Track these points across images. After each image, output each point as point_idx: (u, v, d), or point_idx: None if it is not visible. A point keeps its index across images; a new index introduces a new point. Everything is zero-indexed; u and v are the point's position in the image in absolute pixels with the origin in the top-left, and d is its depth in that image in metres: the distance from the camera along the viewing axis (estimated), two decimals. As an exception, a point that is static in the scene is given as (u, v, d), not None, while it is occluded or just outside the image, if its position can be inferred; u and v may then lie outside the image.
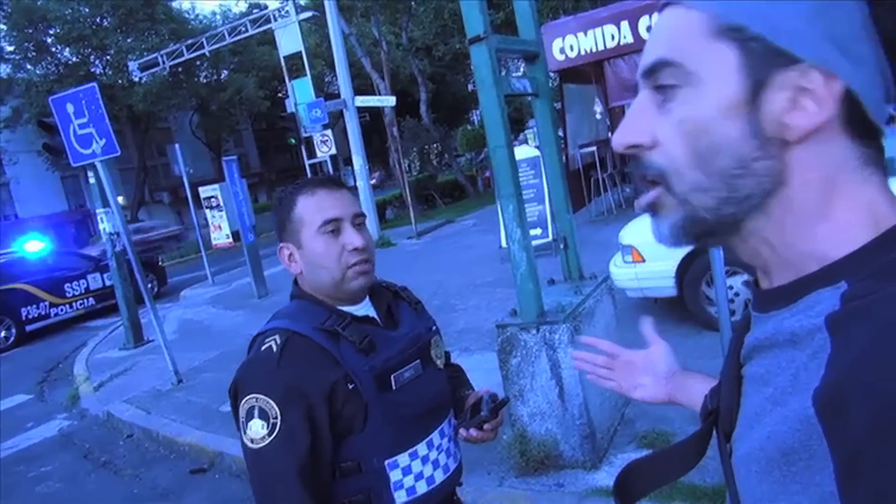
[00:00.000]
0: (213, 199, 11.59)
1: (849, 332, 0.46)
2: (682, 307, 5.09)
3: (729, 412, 0.62)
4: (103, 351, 9.09)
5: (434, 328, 1.50)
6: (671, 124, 0.55)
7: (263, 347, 1.27)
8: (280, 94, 31.66)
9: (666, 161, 0.56)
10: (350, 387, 1.25)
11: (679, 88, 0.54)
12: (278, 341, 1.26)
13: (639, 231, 5.34)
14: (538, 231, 8.79)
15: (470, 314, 6.91)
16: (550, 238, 8.50)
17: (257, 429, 1.21)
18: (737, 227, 0.56)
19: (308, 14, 16.21)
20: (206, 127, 34.60)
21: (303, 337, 1.27)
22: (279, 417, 1.21)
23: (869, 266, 0.49)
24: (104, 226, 7.77)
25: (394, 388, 1.31)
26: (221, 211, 11.55)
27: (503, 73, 3.15)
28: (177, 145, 12.24)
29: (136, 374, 7.44)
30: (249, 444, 1.23)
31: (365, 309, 1.39)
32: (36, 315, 11.33)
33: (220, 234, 11.78)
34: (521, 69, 3.72)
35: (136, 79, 22.19)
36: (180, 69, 25.90)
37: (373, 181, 21.97)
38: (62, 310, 11.73)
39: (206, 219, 12.14)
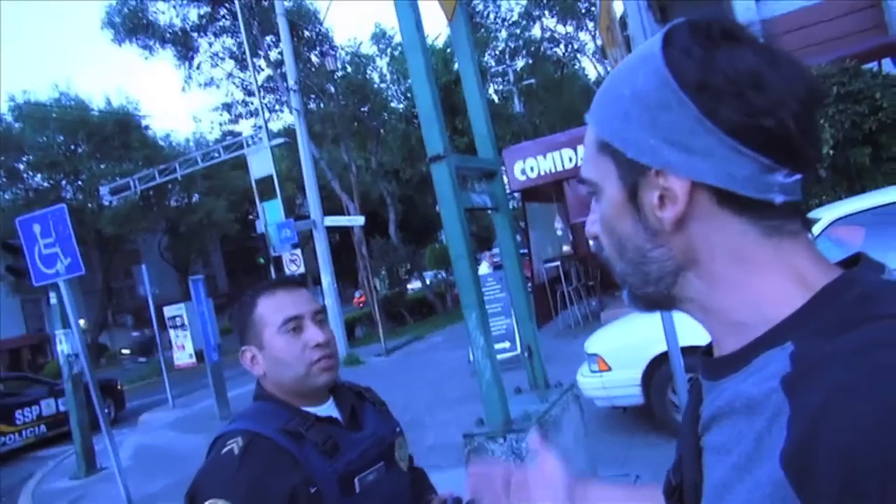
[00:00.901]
0: (177, 319, 11.44)
1: (804, 392, 0.47)
2: (650, 415, 5.09)
3: (693, 486, 0.62)
4: (52, 482, 8.55)
5: (398, 430, 1.49)
6: (598, 222, 0.66)
7: (224, 450, 1.24)
8: (250, 216, 32.14)
9: (605, 250, 0.66)
10: (312, 490, 1.23)
11: (595, 194, 0.65)
12: (240, 443, 1.24)
13: (604, 339, 5.43)
14: (506, 344, 8.83)
15: (439, 430, 6.77)
16: (518, 351, 8.52)
17: None
18: (671, 300, 0.62)
19: (280, 140, 16.87)
20: (175, 249, 34.64)
21: (265, 439, 1.25)
22: None
23: (811, 325, 0.52)
24: (62, 347, 7.58)
25: (357, 491, 1.28)
26: (186, 330, 11.38)
27: (463, 190, 3.33)
28: (143, 266, 12.23)
29: (86, 505, 6.99)
30: None
31: (328, 409, 1.38)
32: (-19, 445, 10.68)
33: (184, 354, 11.53)
34: (481, 187, 3.99)
35: (106, 203, 22.44)
36: (151, 192, 26.28)
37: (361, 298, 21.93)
38: (10, 438, 11.10)
39: (169, 341, 11.91)
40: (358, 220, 17.12)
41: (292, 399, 1.35)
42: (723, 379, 0.58)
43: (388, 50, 24.28)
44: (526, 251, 12.63)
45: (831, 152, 5.74)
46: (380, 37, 24.02)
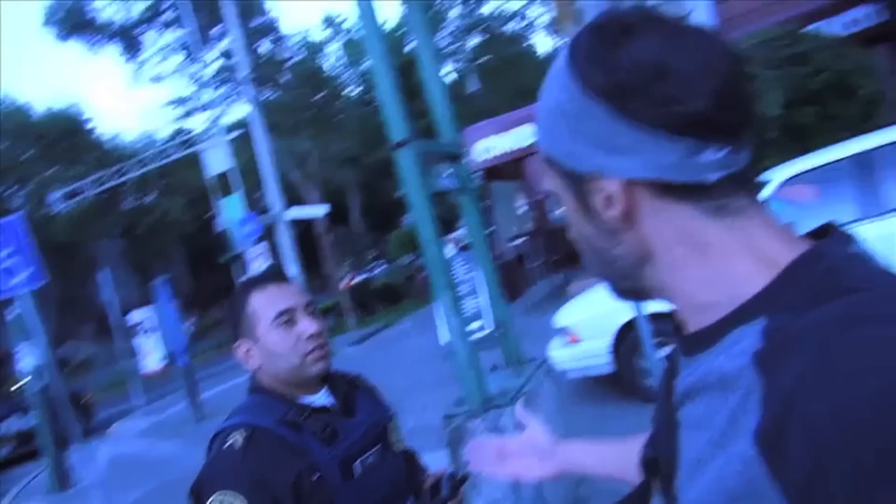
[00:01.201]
0: (144, 323, 11.23)
1: (776, 368, 0.48)
2: (621, 383, 5.21)
3: (668, 460, 0.62)
4: (24, 501, 8.37)
5: (390, 413, 1.53)
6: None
7: (226, 445, 1.27)
8: (209, 214, 31.62)
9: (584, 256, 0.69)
10: (314, 478, 1.27)
11: (558, 203, 0.68)
12: (242, 436, 1.27)
13: (573, 312, 5.53)
14: (478, 324, 8.90)
15: (417, 414, 6.81)
16: (490, 330, 8.61)
17: None
18: (646, 291, 0.64)
19: (236, 133, 16.58)
20: (134, 252, 33.83)
21: (265, 431, 1.28)
22: None
23: (781, 300, 0.52)
24: (27, 361, 7.38)
25: (357, 475, 1.33)
26: (152, 335, 11.19)
27: (429, 174, 3.34)
28: (105, 272, 11.96)
29: (63, 520, 6.88)
30: None
31: (323, 398, 1.41)
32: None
33: (152, 360, 11.34)
34: (446, 170, 3.99)
35: (58, 209, 21.79)
36: (105, 196, 25.61)
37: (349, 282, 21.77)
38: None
39: (132, 349, 11.70)
40: (321, 210, 17.00)
41: (287, 390, 1.38)
42: (697, 354, 0.58)
43: (339, 35, 23.96)
44: (492, 229, 12.71)
45: (780, 114, 5.91)
46: (330, 22, 23.67)
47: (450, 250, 9.40)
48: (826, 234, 0.59)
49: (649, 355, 3.34)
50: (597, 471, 1.03)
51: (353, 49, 24.02)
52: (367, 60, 22.29)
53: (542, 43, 31.29)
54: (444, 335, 9.76)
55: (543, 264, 12.49)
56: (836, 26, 8.51)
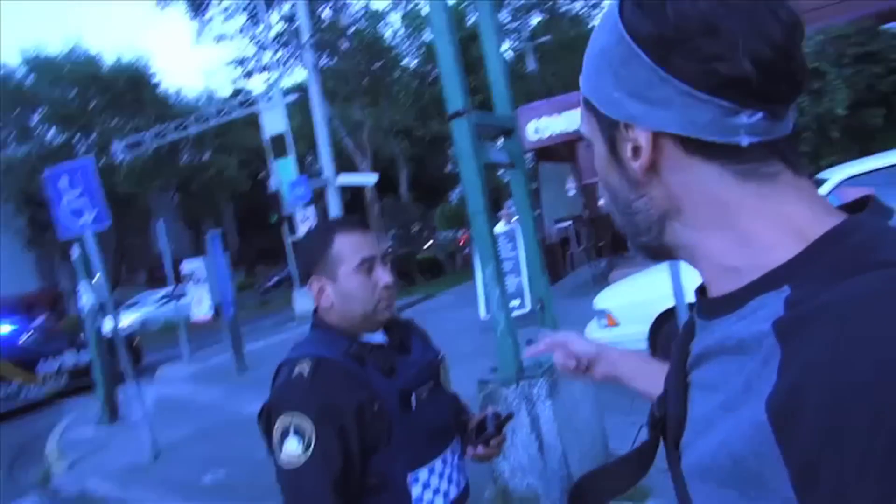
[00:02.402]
0: (194, 274, 11.67)
1: (796, 338, 0.47)
2: (657, 370, 5.24)
3: (676, 420, 0.63)
4: (76, 429, 8.88)
5: (441, 355, 1.63)
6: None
7: (294, 372, 1.36)
8: (261, 174, 32.23)
9: (607, 205, 0.70)
10: (376, 407, 1.35)
11: (591, 149, 0.68)
12: (309, 365, 1.36)
13: (613, 296, 5.57)
14: (517, 302, 8.96)
15: (454, 384, 6.99)
16: (528, 308, 8.67)
17: (293, 447, 1.29)
18: (667, 249, 0.64)
19: (293, 97, 16.85)
20: (187, 206, 34.86)
21: (331, 361, 1.37)
22: (314, 434, 1.29)
23: (809, 270, 0.51)
24: (86, 298, 7.79)
25: (414, 406, 1.42)
26: (203, 284, 11.61)
27: (482, 146, 3.42)
28: (160, 223, 12.42)
29: (111, 451, 7.28)
30: (285, 465, 1.30)
31: (380, 337, 1.51)
32: (5, 395, 11.05)
33: (201, 308, 11.79)
34: (499, 143, 4.04)
35: (119, 159, 22.58)
36: (165, 150, 26.39)
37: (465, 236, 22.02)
38: (33, 390, 11.47)
39: (180, 294, 12.15)
40: (371, 178, 17.21)
41: (350, 328, 1.47)
42: (716, 318, 0.58)
43: (402, 4, 23.93)
44: (538, 211, 12.71)
45: (845, 113, 5.75)
46: (391, -8, 23.66)
47: (501, 226, 9.46)
48: (864, 206, 0.58)
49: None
50: (640, 387, 1.05)
51: (413, 21, 23.98)
52: (426, 32, 22.31)
53: (605, 25, 30.49)
54: (483, 309, 9.88)
55: (587, 249, 12.45)
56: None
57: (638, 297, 5.29)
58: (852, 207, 0.59)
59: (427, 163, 29.48)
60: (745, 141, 0.55)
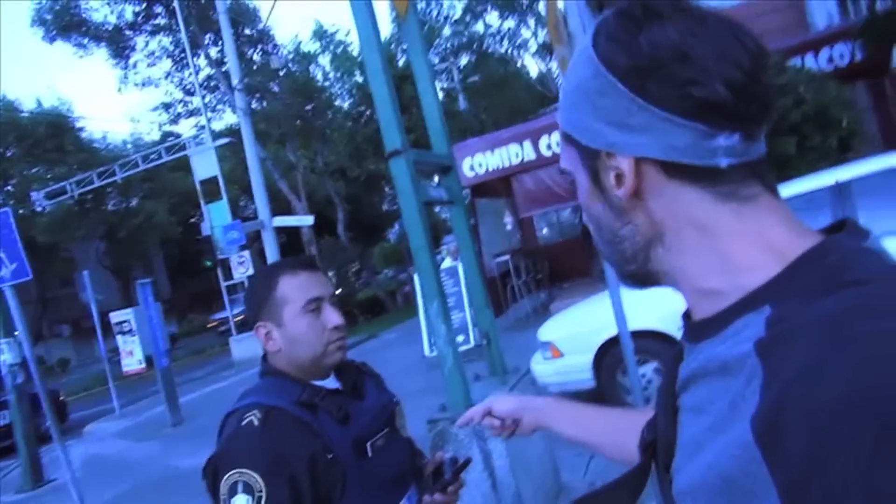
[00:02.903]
0: (125, 324, 11.16)
1: (776, 357, 0.48)
2: (601, 398, 5.30)
3: (667, 443, 0.63)
4: (-4, 497, 8.25)
5: (396, 399, 1.58)
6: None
7: (243, 422, 1.29)
8: (193, 219, 31.40)
9: (592, 234, 0.71)
10: (329, 457, 1.30)
11: (573, 183, 0.69)
12: (258, 415, 1.29)
13: (556, 327, 5.63)
14: (461, 337, 8.97)
15: (398, 424, 6.88)
16: (473, 344, 8.68)
17: None
18: (653, 276, 0.65)
19: (225, 140, 16.60)
20: (114, 255, 33.52)
21: (281, 410, 1.31)
22: (264, 491, 1.21)
23: (788, 290, 0.52)
24: (5, 356, 7.33)
25: (369, 455, 1.36)
26: (134, 336, 11.12)
27: (420, 184, 3.43)
28: (85, 273, 11.86)
29: (36, 518, 6.79)
30: None
31: (332, 383, 1.46)
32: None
33: (132, 360, 11.26)
34: (437, 180, 4.09)
35: (40, 209, 21.57)
36: (89, 197, 25.39)
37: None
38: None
39: (114, 347, 11.60)
40: (307, 220, 17.01)
41: (301, 374, 1.41)
42: (701, 342, 0.59)
43: (331, 47, 24.10)
44: (477, 246, 12.83)
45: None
46: (321, 34, 23.81)
47: (447, 262, 9.50)
48: (841, 229, 0.59)
49: (632, 372, 3.43)
50: (567, 432, 1.09)
51: (344, 62, 24.14)
52: (357, 74, 22.50)
53: (531, 65, 31.69)
54: (428, 346, 9.82)
55: (527, 282, 12.61)
56: (817, 61, 8.79)
57: (581, 328, 5.38)
58: (831, 230, 0.61)
59: (363, 202, 29.40)
60: (723, 162, 0.56)
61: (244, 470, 1.23)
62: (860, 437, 0.42)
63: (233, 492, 1.22)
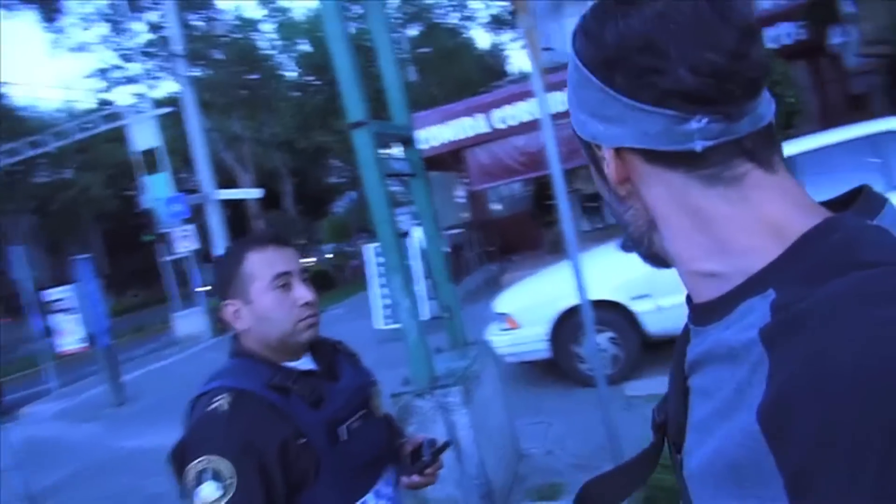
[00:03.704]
0: (62, 302, 10.70)
1: (782, 345, 0.48)
2: (557, 368, 5.41)
3: (677, 424, 0.64)
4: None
5: (372, 378, 1.54)
6: None
7: (211, 407, 1.24)
8: (130, 192, 30.23)
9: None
10: (301, 441, 1.25)
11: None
12: (227, 399, 1.24)
13: (513, 299, 5.68)
14: (414, 311, 8.94)
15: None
16: (428, 317, 8.68)
17: (210, 492, 1.17)
18: (662, 258, 0.66)
19: (166, 110, 15.94)
20: (47, 230, 32.02)
21: (251, 394, 1.26)
22: (234, 478, 1.18)
23: (790, 272, 0.52)
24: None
25: (343, 439, 1.32)
26: (73, 314, 10.68)
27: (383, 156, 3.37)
28: (18, 248, 11.27)
29: (-27, 505, 6.50)
30: None
31: (306, 363, 1.40)
32: None
33: (71, 340, 10.82)
34: (398, 152, 4.04)
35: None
36: (19, 168, 24.08)
37: None
38: None
39: (48, 326, 11.12)
40: (254, 193, 16.60)
41: (272, 354, 1.36)
42: (708, 325, 0.59)
43: (275, 15, 23.38)
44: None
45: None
46: (265, 0, 23.06)
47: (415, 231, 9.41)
48: (856, 197, 0.59)
49: (591, 341, 3.49)
50: None
51: (290, 31, 23.49)
52: (303, 43, 21.94)
53: (482, 37, 31.54)
54: (378, 320, 9.79)
55: (479, 255, 12.68)
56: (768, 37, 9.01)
57: (538, 299, 5.43)
58: (847, 198, 0.60)
59: (310, 175, 28.91)
60: (699, 146, 0.55)
61: (213, 457, 1.18)
62: (866, 428, 0.41)
63: (200, 479, 1.18)
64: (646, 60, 0.55)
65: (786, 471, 0.45)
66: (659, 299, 4.92)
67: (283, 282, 1.35)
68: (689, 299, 0.65)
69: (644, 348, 5.14)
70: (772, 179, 0.57)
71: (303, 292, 1.36)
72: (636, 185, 0.62)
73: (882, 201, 0.58)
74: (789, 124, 6.72)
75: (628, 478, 0.81)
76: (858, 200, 0.58)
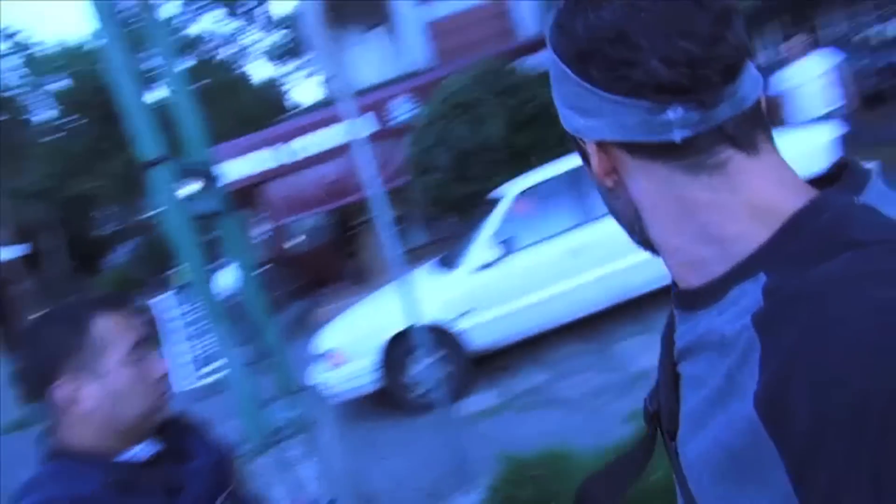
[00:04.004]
0: None
1: (776, 331, 0.47)
2: (389, 398, 5.25)
3: (670, 413, 0.64)
4: None
5: (230, 450, 1.34)
6: None
7: None
8: None
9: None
10: None
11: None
12: None
13: (336, 333, 5.48)
14: (216, 364, 8.35)
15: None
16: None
17: None
18: (653, 247, 0.65)
19: None
20: None
21: (90, 500, 1.01)
22: None
23: (781, 256, 0.52)
24: None
25: None
26: None
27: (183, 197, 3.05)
28: None
29: None
30: None
31: (147, 449, 1.16)
32: None
33: None
34: (198, 190, 3.71)
35: None
36: None
37: None
38: None
39: None
40: (16, 250, 14.39)
41: (112, 443, 1.10)
42: (699, 311, 0.58)
43: (20, 51, 20.70)
44: (225, 260, 11.98)
45: (504, 136, 6.68)
46: (9, 35, 20.31)
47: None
48: (841, 172, 0.59)
49: (427, 364, 3.45)
50: None
51: (40, 68, 20.90)
52: (60, 80, 19.63)
53: (258, 70, 30.84)
54: (187, 378, 8.94)
55: (285, 293, 12.17)
56: (536, 62, 9.85)
57: (363, 330, 5.28)
58: (832, 172, 0.60)
59: (82, 226, 25.85)
60: (677, 136, 0.55)
61: None
62: (863, 410, 0.42)
63: None
64: (618, 52, 0.55)
65: (788, 457, 0.45)
66: (480, 314, 5.06)
67: (138, 354, 1.12)
68: (673, 285, 0.65)
69: (470, 364, 5.22)
70: (756, 162, 0.56)
71: (160, 364, 1.15)
72: (621, 177, 0.62)
73: (866, 175, 0.58)
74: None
75: (625, 471, 0.80)
76: (843, 176, 0.58)
